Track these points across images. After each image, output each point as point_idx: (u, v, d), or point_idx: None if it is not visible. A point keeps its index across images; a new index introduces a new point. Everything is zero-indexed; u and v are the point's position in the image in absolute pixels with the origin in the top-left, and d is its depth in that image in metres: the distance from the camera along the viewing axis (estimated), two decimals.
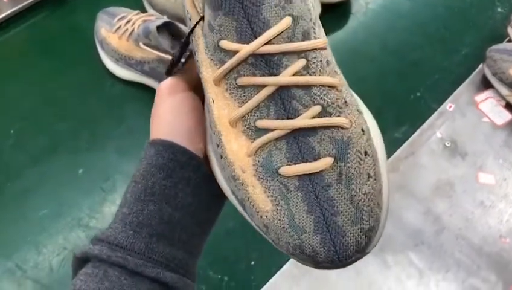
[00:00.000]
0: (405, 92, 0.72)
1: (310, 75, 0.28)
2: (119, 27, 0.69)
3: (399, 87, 0.73)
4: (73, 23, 0.79)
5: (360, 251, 0.26)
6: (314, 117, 0.27)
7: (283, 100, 0.27)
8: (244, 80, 0.28)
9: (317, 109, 0.27)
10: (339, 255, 0.26)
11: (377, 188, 0.27)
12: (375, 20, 0.80)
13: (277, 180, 0.27)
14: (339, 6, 0.80)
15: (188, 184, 0.31)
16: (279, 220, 0.27)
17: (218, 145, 0.30)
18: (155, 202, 0.30)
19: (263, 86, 0.28)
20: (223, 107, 0.29)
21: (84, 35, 0.75)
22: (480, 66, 0.72)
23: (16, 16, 0.76)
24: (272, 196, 0.27)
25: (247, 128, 0.28)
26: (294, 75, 0.27)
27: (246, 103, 0.28)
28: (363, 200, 0.27)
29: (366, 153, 0.28)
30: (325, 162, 0.27)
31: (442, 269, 0.57)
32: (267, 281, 0.56)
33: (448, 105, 0.70)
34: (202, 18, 0.30)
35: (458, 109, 0.69)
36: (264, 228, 0.28)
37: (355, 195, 0.27)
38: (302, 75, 0.28)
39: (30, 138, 0.67)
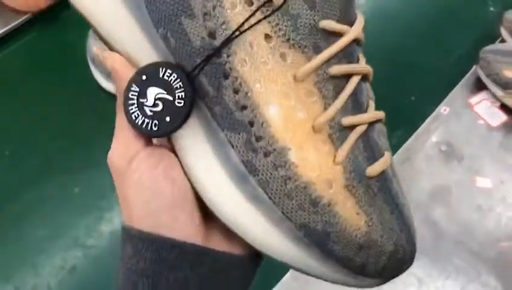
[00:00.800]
0: (399, 97, 0.72)
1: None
2: None
3: (392, 92, 0.72)
4: (64, 41, 0.78)
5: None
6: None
7: (357, 93, 0.25)
8: (340, 69, 0.24)
9: (372, 102, 0.26)
10: (414, 250, 0.26)
11: None
12: (365, 25, 0.80)
13: (365, 184, 0.24)
14: None
15: (187, 285, 0.24)
16: (375, 230, 0.24)
17: (279, 168, 0.23)
18: None
19: (350, 76, 0.25)
20: (297, 112, 0.24)
21: (77, 53, 0.75)
22: (474, 67, 0.72)
23: (6, 36, 0.76)
24: (364, 206, 0.24)
25: (335, 129, 0.24)
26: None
27: (336, 97, 0.24)
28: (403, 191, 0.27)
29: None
30: (388, 156, 0.25)
31: (441, 275, 0.57)
32: None
33: (443, 108, 0.69)
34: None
35: (453, 112, 0.69)
36: (356, 249, 0.24)
37: (401, 186, 0.27)
38: None
39: (25, 159, 0.67)
